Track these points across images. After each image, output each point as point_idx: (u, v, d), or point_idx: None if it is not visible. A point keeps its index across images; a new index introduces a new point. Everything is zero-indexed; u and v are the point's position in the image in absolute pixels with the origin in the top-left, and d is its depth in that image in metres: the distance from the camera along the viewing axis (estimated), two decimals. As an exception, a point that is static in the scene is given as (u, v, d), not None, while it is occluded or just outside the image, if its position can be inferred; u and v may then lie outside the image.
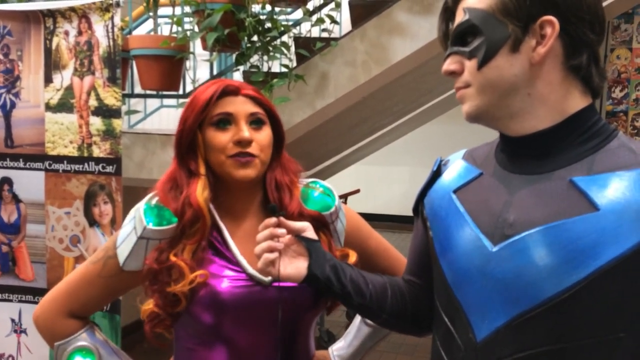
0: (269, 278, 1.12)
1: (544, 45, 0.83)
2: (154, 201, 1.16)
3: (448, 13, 0.95)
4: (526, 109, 0.87)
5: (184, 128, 1.15)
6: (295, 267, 1.03)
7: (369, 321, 1.40)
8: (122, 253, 1.16)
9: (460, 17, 0.90)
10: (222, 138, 1.13)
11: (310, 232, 1.07)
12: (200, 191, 1.13)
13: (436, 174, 1.05)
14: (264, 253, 1.02)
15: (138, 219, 1.14)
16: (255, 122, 1.15)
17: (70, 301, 1.21)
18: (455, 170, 1.01)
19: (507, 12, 0.84)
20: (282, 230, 1.03)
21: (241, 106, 1.14)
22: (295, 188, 1.20)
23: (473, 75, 0.88)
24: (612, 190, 0.80)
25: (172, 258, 1.10)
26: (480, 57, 0.86)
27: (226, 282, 1.11)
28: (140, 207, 1.16)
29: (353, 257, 1.20)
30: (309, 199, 1.22)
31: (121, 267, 1.16)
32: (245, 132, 1.12)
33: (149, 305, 1.16)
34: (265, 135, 1.16)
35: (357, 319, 1.43)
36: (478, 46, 0.86)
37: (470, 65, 0.88)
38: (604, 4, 3.80)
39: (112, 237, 1.21)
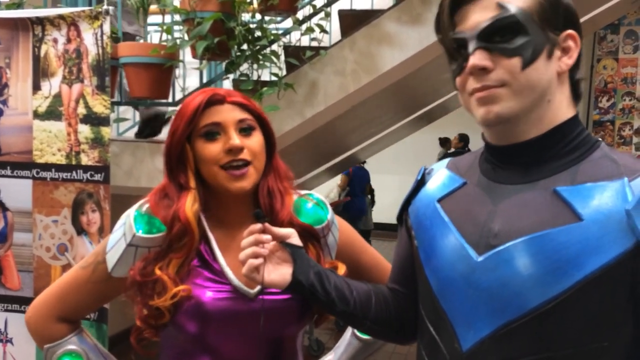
0: (254, 290, 1.12)
1: (570, 57, 0.86)
2: (144, 208, 1.14)
3: (455, 5, 0.88)
4: (539, 116, 0.86)
5: (172, 140, 1.13)
6: (279, 273, 1.02)
7: (359, 335, 1.39)
8: (111, 259, 1.15)
9: (493, 11, 0.84)
10: (212, 149, 1.11)
11: (295, 238, 1.06)
12: (189, 205, 1.11)
13: (420, 183, 1.05)
14: (248, 259, 1.01)
15: (128, 225, 1.13)
16: (244, 129, 1.13)
17: (60, 305, 1.21)
18: (439, 179, 1.01)
19: (544, 18, 0.84)
20: (267, 237, 1.02)
21: (228, 114, 1.12)
22: (287, 195, 1.19)
23: (513, 74, 0.83)
24: (595, 200, 0.81)
25: (157, 272, 1.09)
26: (528, 57, 0.82)
27: (210, 293, 1.10)
28: (130, 213, 1.14)
29: (342, 269, 1.19)
30: (302, 210, 1.20)
31: (109, 273, 1.15)
32: (235, 139, 1.10)
33: None
34: (256, 140, 1.14)
35: (348, 332, 1.42)
36: (523, 45, 0.82)
37: (510, 63, 0.83)
38: (591, 15, 3.85)
39: (102, 242, 1.19)
